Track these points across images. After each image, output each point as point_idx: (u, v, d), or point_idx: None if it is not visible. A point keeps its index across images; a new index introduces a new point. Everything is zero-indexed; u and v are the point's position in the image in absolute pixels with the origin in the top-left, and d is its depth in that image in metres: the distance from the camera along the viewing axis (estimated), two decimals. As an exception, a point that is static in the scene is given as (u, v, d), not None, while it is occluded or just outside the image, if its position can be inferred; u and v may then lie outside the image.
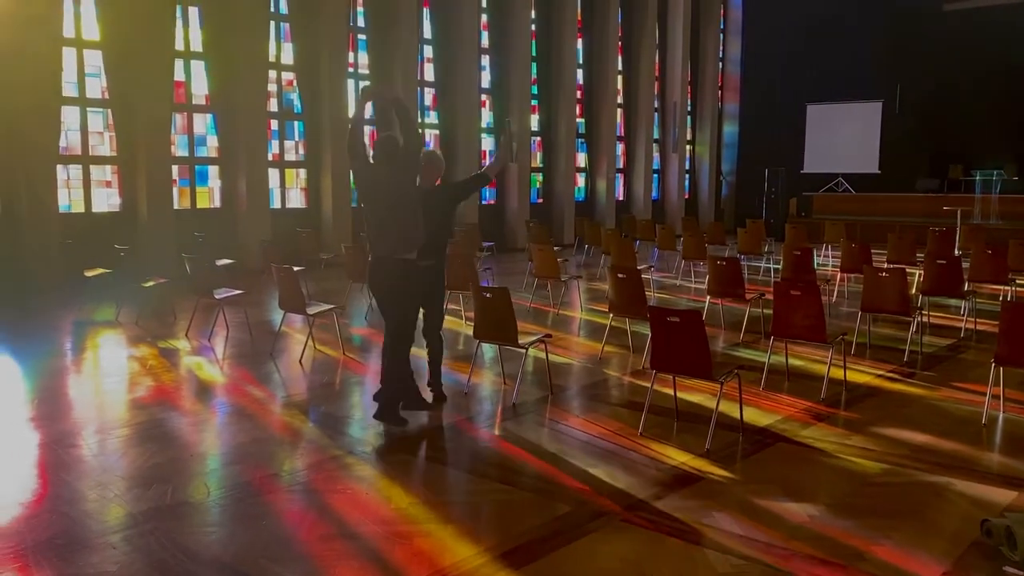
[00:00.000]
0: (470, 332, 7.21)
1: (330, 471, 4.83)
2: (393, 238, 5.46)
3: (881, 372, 7.25)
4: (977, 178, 19.15)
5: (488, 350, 7.70)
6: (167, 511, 4.20)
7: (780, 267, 10.84)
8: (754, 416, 5.83)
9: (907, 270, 8.24)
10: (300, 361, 7.58)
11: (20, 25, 11.03)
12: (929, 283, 8.92)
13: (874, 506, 4.36)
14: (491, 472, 4.90)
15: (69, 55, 12.13)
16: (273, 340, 8.24)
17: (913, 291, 9.46)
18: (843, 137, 23.07)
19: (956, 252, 13.38)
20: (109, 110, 12.63)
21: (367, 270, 5.90)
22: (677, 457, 5.03)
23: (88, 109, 12.42)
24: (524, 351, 6.55)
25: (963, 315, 9.43)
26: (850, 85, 22.66)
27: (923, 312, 8.65)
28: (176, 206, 13.35)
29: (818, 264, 12.68)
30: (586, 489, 4.55)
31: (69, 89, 12.18)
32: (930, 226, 14.59)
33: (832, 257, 15.12)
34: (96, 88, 12.52)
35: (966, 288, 9.12)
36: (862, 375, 7.11)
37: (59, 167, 11.99)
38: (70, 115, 12.24)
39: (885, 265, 9.95)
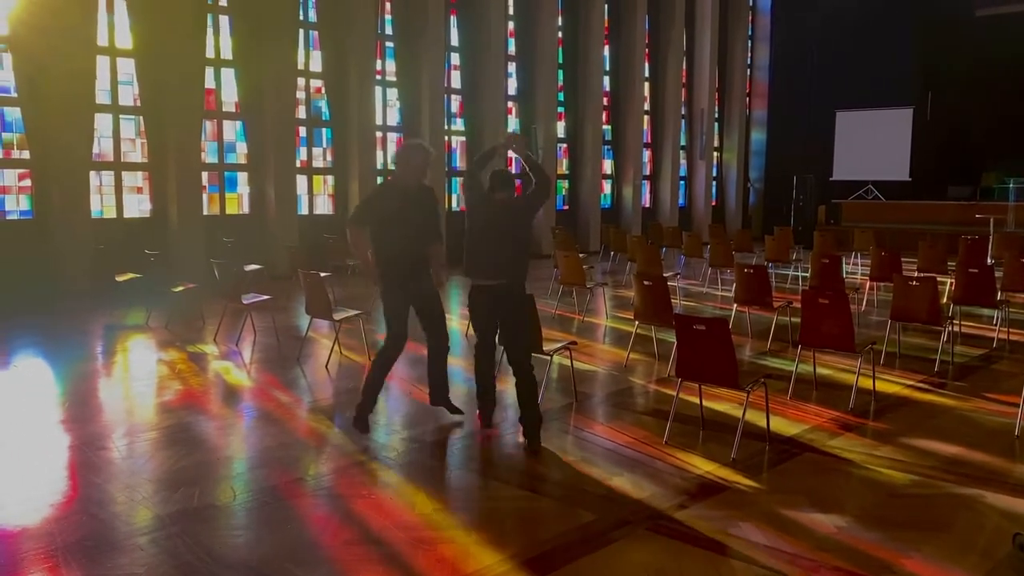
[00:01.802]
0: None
1: (355, 476, 4.86)
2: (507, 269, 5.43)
3: (911, 382, 7.15)
4: (1011, 186, 18.86)
5: (513, 357, 7.68)
6: (194, 514, 4.24)
7: (808, 275, 10.73)
8: (781, 426, 5.77)
9: (938, 279, 8.13)
10: (326, 366, 7.63)
11: (55, 34, 11.23)
12: (961, 292, 8.79)
13: (903, 518, 4.30)
14: (515, 479, 4.90)
15: (103, 63, 12.33)
16: (300, 345, 8.30)
17: (944, 300, 9.33)
18: (873, 144, 22.81)
19: (989, 261, 13.17)
20: (141, 117, 12.82)
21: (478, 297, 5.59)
22: (702, 466, 5.00)
23: (120, 116, 12.61)
24: (549, 358, 6.54)
25: (996, 325, 9.28)
26: (880, 92, 22.40)
27: (954, 321, 8.53)
28: (205, 212, 13.51)
29: (847, 272, 12.55)
30: (611, 497, 4.53)
31: (102, 96, 12.37)
32: (962, 234, 14.37)
33: (861, 265, 14.94)
34: (128, 95, 12.71)
35: (999, 297, 8.97)
36: (891, 385, 7.01)
37: (92, 173, 12.18)
38: (103, 122, 12.43)
39: (915, 274, 9.81)
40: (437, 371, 5.93)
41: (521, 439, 5.45)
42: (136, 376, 7.58)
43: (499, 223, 5.43)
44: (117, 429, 5.74)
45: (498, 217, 5.45)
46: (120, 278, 10.23)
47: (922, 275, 8.57)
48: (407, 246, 5.52)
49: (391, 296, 5.65)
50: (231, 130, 14.10)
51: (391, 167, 5.78)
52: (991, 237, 14.75)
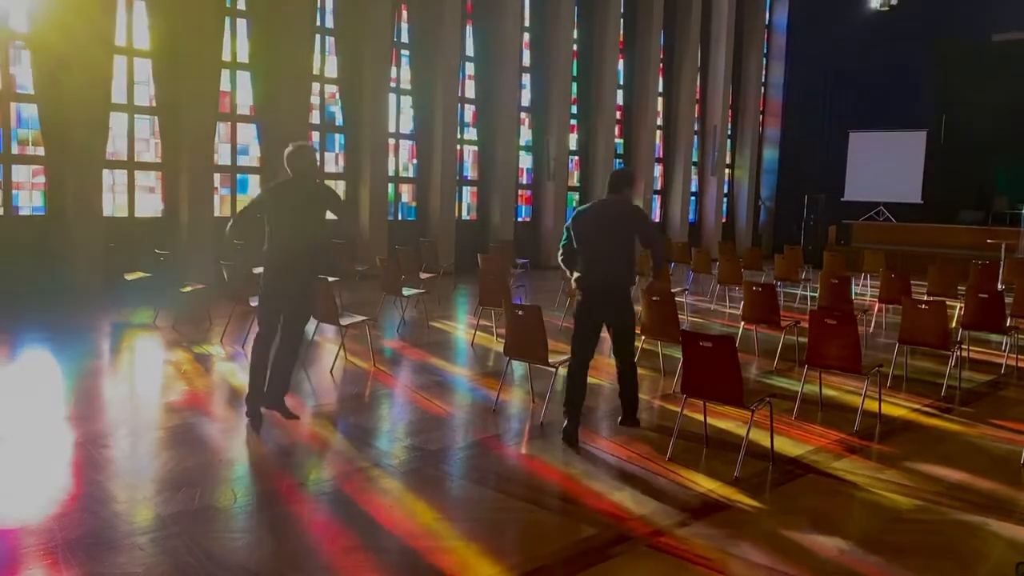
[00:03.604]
0: (501, 349, 7.20)
1: (356, 483, 4.85)
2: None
3: (917, 406, 7.11)
4: (1023, 211, 18.78)
5: (518, 367, 7.69)
6: (194, 515, 4.24)
7: (817, 295, 10.70)
8: (785, 446, 5.74)
9: (948, 303, 8.08)
10: (331, 371, 7.63)
11: (74, 33, 11.30)
12: (970, 317, 8.74)
13: (906, 543, 4.27)
14: (517, 491, 4.88)
15: (120, 63, 12.40)
16: (305, 349, 8.30)
17: (953, 324, 9.28)
18: (885, 166, 22.74)
19: (999, 286, 13.10)
20: (156, 117, 12.89)
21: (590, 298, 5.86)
22: (705, 484, 4.97)
23: (136, 116, 12.68)
24: (554, 370, 6.53)
25: (1004, 351, 9.23)
26: (894, 114, 22.37)
27: (963, 346, 8.48)
28: (217, 213, 13.54)
29: (856, 293, 12.51)
30: (612, 512, 4.50)
31: (118, 96, 12.43)
32: (973, 259, 14.31)
33: (871, 287, 14.88)
34: (144, 96, 12.78)
35: (1008, 323, 8.92)
36: (898, 408, 6.97)
37: (105, 171, 12.25)
38: (118, 121, 12.49)
39: (925, 297, 9.77)
40: (278, 368, 5.85)
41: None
42: (141, 375, 7.60)
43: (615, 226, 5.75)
44: (121, 428, 5.76)
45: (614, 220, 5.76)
46: (129, 276, 10.26)
47: (931, 299, 8.54)
48: (291, 242, 5.66)
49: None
50: (245, 133, 14.16)
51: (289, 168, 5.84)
52: (1002, 262, 14.68)
